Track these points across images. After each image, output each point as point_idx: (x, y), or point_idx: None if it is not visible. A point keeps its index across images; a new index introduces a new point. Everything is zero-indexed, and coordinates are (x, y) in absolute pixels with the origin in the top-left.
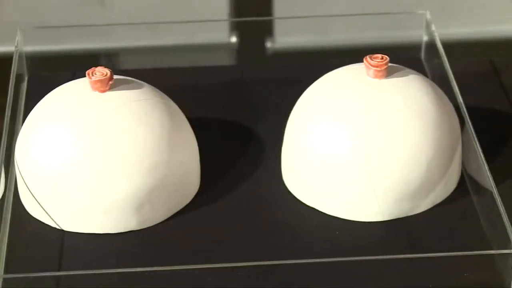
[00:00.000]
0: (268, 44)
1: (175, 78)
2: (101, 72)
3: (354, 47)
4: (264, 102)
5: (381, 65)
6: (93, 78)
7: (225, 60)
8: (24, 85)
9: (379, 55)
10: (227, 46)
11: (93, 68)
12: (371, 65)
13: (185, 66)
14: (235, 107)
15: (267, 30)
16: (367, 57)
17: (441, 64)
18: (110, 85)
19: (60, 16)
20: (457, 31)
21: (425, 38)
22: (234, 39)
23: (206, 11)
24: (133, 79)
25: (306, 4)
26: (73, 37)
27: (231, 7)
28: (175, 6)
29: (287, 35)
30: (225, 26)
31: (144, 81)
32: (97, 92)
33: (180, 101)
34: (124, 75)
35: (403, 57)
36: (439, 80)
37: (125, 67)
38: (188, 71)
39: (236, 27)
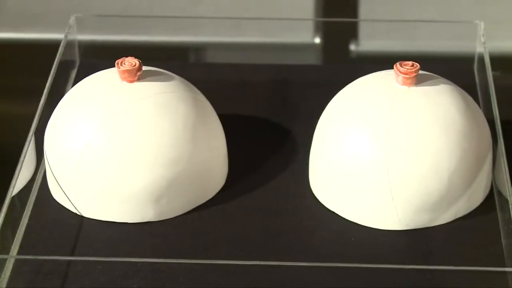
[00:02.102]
0: (352, 47)
1: (238, 74)
2: (130, 62)
3: (427, 53)
4: (319, 104)
5: (410, 72)
6: (121, 68)
7: (306, 60)
8: (74, 71)
9: (410, 62)
10: (310, 46)
11: (123, 58)
12: (400, 71)
13: (258, 63)
14: (285, 107)
15: (352, 32)
16: (398, 63)
17: (493, 76)
18: (139, 75)
19: (147, 6)
20: None
21: (478, 48)
22: (317, 40)
23: (291, 10)
24: (164, 71)
25: (393, 8)
26: (136, 28)
27: (316, 8)
28: (260, 4)
29: (372, 38)
30: (309, 26)
31: (204, 75)
32: (125, 82)
33: (232, 97)
34: (186, 69)
35: (457, 66)
36: (487, 93)
37: (194, 60)
38: (258, 68)
39: (320, 28)
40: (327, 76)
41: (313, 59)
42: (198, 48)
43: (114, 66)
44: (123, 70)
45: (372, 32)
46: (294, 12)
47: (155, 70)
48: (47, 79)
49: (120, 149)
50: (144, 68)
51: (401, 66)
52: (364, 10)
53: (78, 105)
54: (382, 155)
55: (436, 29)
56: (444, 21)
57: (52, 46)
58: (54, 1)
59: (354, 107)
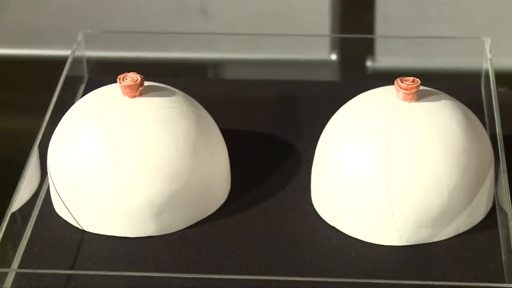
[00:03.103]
0: (369, 63)
1: (251, 91)
2: (132, 77)
3: (440, 70)
4: (325, 120)
5: (411, 88)
6: (123, 83)
7: (322, 76)
8: (82, 87)
9: (411, 78)
10: (327, 63)
11: (125, 73)
12: (401, 87)
13: (275, 79)
14: (291, 123)
15: (368, 49)
16: (398, 79)
17: (501, 92)
18: (141, 91)
19: (160, 24)
20: None
21: (485, 65)
22: (334, 57)
23: (307, 27)
24: (166, 86)
25: (410, 25)
26: (144, 44)
27: (332, 25)
28: (277, 21)
29: (388, 55)
30: (326, 43)
31: (213, 91)
32: (127, 97)
33: (238, 113)
34: (199, 85)
35: (465, 82)
36: (492, 109)
37: (213, 77)
38: (276, 84)
39: (336, 45)
40: (342, 92)
41: (329, 76)
42: (216, 64)
43: None
44: (124, 86)
45: (388, 48)
46: (310, 28)
47: (157, 86)
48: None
49: (122, 164)
50: (147, 83)
51: (402, 82)
52: (380, 26)
53: (80, 120)
54: (382, 171)
55: (447, 45)
56: (452, 37)
57: (62, 62)
58: (63, 17)
59: (355, 123)
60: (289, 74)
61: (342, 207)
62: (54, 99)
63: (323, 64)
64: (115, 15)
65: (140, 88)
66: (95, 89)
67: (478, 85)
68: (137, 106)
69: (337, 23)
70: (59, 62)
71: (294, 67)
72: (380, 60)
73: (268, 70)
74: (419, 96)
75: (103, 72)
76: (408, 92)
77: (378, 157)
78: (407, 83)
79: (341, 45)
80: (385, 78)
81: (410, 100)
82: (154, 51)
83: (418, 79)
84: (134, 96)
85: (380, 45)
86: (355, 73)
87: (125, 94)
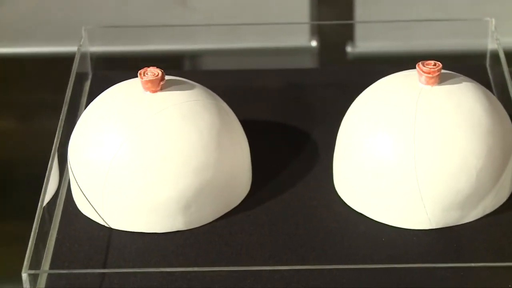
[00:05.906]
0: (349, 49)
1: (243, 80)
2: (152, 72)
3: (429, 53)
4: (330, 106)
5: (433, 72)
6: (144, 78)
7: (304, 63)
8: (88, 83)
9: (432, 62)
10: (307, 49)
11: (145, 68)
12: (423, 71)
13: (260, 69)
14: (298, 110)
15: (348, 34)
16: (420, 63)
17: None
18: (162, 85)
19: (141, 17)
20: None
21: (490, 45)
22: (314, 43)
23: (287, 15)
24: (185, 79)
25: (388, 9)
26: (143, 38)
27: (312, 11)
28: (255, 9)
29: (368, 40)
30: (305, 29)
31: (211, 82)
32: (148, 92)
33: (242, 103)
34: (193, 76)
35: (469, 63)
36: (502, 89)
37: (199, 68)
38: (262, 73)
39: (316, 31)
40: (327, 78)
41: (311, 63)
42: (194, 56)
43: (128, 77)
44: (146, 81)
45: (368, 33)
46: (290, 16)
47: (176, 79)
48: (58, 92)
49: (147, 160)
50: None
51: (424, 66)
52: (360, 11)
53: (102, 118)
54: (410, 155)
55: (437, 27)
56: (450, 19)
57: (59, 58)
58: (51, 15)
59: (378, 108)
60: (271, 63)
61: (370, 194)
62: (67, 97)
63: (304, 51)
64: (99, 8)
65: (161, 83)
66: (101, 85)
67: (481, 66)
68: (160, 100)
69: (315, 8)
70: (56, 59)
71: (275, 55)
72: (361, 45)
73: (250, 60)
74: (440, 80)
75: (105, 67)
76: (430, 75)
77: (405, 141)
78: (429, 66)
79: (321, 31)
80: (368, 62)
81: (433, 83)
82: (144, 44)
83: (439, 63)
84: (155, 91)
85: (360, 30)
86: (336, 59)
87: (147, 89)
